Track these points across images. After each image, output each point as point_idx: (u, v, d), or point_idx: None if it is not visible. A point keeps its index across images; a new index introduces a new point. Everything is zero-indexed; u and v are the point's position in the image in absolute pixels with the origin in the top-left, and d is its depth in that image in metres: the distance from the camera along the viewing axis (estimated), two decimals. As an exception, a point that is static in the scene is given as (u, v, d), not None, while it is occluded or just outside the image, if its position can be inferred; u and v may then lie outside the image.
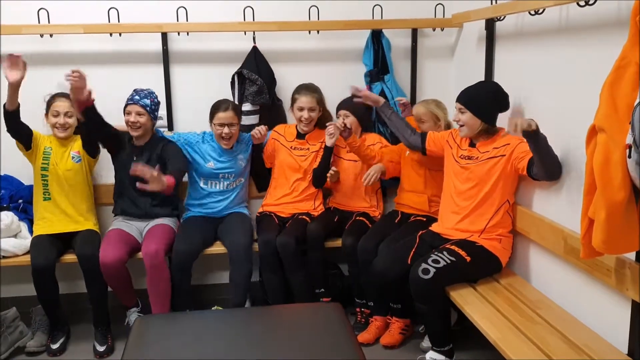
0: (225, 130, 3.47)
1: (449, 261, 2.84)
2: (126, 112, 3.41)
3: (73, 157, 3.45)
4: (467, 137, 3.07)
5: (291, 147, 3.67)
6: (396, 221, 3.47)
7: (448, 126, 3.43)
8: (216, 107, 3.49)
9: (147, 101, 3.40)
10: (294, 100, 3.64)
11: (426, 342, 3.20)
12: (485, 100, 2.98)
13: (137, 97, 3.39)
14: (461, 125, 3.02)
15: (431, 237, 3.13)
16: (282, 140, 3.69)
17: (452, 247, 2.93)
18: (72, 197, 3.46)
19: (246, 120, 3.68)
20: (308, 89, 3.62)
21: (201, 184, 3.59)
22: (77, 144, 3.48)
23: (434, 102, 3.44)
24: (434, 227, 3.19)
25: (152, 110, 3.43)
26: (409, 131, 3.32)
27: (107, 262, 3.21)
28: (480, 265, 2.97)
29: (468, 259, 2.88)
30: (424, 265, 2.81)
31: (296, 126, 3.71)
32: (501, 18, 3.18)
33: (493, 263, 3.00)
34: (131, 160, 3.44)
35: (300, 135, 3.69)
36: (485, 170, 2.97)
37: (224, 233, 3.53)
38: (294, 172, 3.68)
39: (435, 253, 2.89)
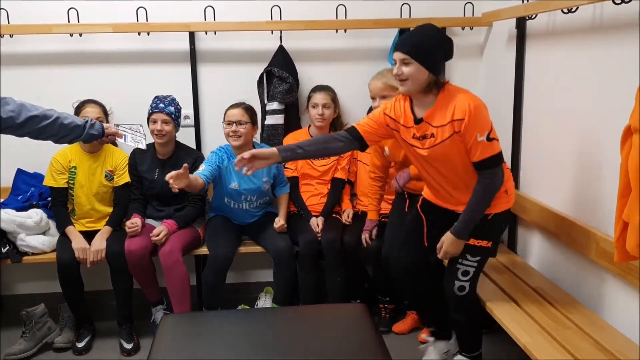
0: (233, 127, 3.37)
1: (476, 264, 2.70)
2: (151, 121, 3.39)
3: (107, 176, 3.45)
4: (406, 97, 2.63)
5: None
6: (406, 209, 3.27)
7: None
8: (229, 107, 3.45)
9: (172, 109, 3.40)
10: (309, 98, 3.67)
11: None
12: (432, 46, 2.50)
13: (161, 105, 3.38)
14: (403, 80, 2.51)
15: (436, 211, 2.83)
16: None
17: (472, 242, 2.67)
18: (98, 205, 3.48)
19: (271, 119, 3.67)
20: (323, 87, 3.68)
21: (225, 200, 3.53)
22: (109, 160, 3.47)
23: (390, 72, 2.93)
24: (435, 200, 2.83)
25: (176, 118, 3.44)
26: (334, 142, 2.72)
27: (133, 248, 3.24)
28: (499, 236, 2.78)
29: (489, 244, 2.68)
30: (458, 283, 2.69)
31: (309, 131, 3.71)
32: (532, 17, 3.12)
33: (507, 217, 2.79)
34: (153, 173, 3.47)
35: None
36: (450, 150, 2.52)
37: (261, 235, 3.52)
38: (314, 178, 3.71)
39: (461, 262, 2.69)
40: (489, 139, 2.45)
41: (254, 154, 2.58)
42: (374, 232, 3.40)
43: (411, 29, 3.67)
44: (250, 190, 3.47)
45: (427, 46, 2.48)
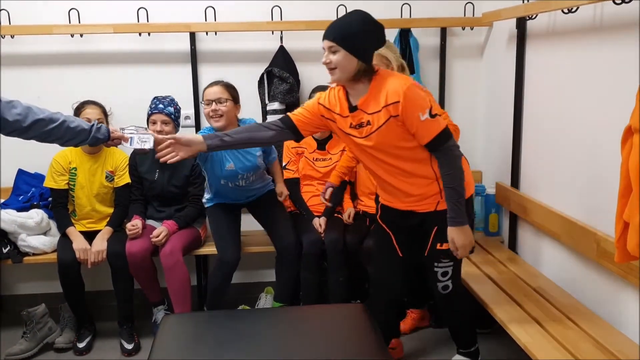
0: (212, 107, 3.18)
1: (451, 263, 2.66)
2: (150, 122, 3.37)
3: (107, 177, 3.46)
4: (340, 86, 2.54)
5: (313, 159, 3.67)
6: None
7: (402, 67, 2.98)
8: (207, 86, 3.31)
9: (171, 109, 3.38)
10: (310, 99, 3.64)
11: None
12: (361, 33, 2.38)
13: (161, 105, 3.36)
14: (332, 69, 2.41)
15: (397, 217, 2.72)
16: (305, 153, 3.68)
17: (440, 246, 2.61)
18: (99, 205, 3.49)
19: (271, 119, 3.66)
20: (324, 88, 3.61)
21: (221, 182, 3.39)
22: (109, 161, 3.48)
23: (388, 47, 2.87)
24: (389, 201, 2.72)
25: (176, 118, 3.42)
26: (264, 130, 2.65)
27: (134, 250, 3.25)
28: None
29: None
30: (440, 285, 2.69)
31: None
32: (533, 17, 3.12)
33: (470, 208, 2.68)
34: (153, 173, 3.46)
35: (320, 146, 3.67)
36: (387, 136, 2.43)
37: (266, 219, 3.50)
38: (315, 179, 3.69)
39: (437, 265, 2.66)
40: (432, 115, 2.37)
41: (177, 138, 2.55)
42: (328, 193, 3.24)
43: (411, 29, 3.73)
44: (246, 168, 3.34)
45: (355, 33, 2.37)
